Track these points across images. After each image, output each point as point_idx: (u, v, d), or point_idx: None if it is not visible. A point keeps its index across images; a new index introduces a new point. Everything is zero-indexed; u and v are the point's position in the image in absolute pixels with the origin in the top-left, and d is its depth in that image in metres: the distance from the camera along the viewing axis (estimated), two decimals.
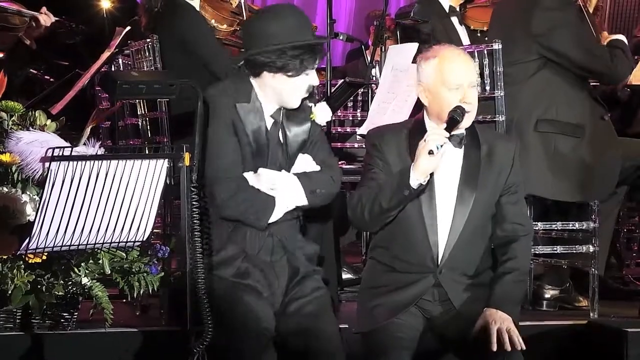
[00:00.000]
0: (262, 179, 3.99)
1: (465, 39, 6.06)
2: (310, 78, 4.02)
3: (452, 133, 3.95)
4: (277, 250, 4.03)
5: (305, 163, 4.10)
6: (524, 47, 4.98)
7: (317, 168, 4.09)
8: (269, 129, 4.04)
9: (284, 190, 4.00)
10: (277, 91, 4.01)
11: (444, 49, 4.12)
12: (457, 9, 6.13)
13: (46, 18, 5.99)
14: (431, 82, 4.04)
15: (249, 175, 4.00)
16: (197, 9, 5.29)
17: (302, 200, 4.03)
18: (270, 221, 3.99)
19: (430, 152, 3.84)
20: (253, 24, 4.08)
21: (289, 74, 3.97)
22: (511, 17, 5.18)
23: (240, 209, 3.95)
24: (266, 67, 3.98)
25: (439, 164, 3.93)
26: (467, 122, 4.01)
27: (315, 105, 4.15)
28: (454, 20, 6.09)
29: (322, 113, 4.16)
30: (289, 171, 4.06)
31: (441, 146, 3.85)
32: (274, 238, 4.03)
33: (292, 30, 3.97)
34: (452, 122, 3.94)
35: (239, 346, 3.80)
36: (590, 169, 4.94)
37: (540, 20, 5.00)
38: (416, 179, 3.89)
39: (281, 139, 4.08)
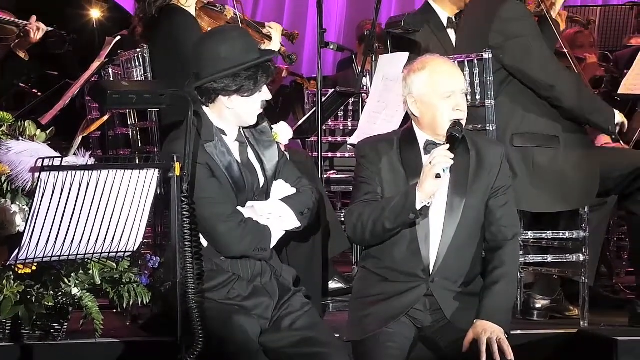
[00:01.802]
0: (257, 211, 4.06)
1: None
2: (263, 94, 4.07)
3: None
4: (266, 272, 4.09)
5: (282, 189, 4.16)
6: None
7: (294, 190, 4.15)
8: (239, 160, 4.09)
9: (281, 217, 4.07)
10: (234, 113, 4.05)
11: (431, 59, 4.17)
12: (454, 20, 6.12)
13: (36, 27, 5.98)
14: (423, 93, 4.07)
15: (242, 210, 4.05)
16: (193, 15, 5.29)
17: (295, 223, 4.10)
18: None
19: (438, 176, 3.86)
20: (201, 48, 4.06)
21: (245, 95, 4.01)
22: (475, 28, 5.17)
23: (247, 242, 4.00)
24: (222, 92, 4.01)
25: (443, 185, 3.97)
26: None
27: (277, 125, 4.22)
28: (450, 32, 6.07)
29: (283, 132, 4.24)
30: (267, 197, 4.12)
31: (447, 168, 3.87)
32: (262, 262, 4.08)
33: (242, 51, 4.01)
34: (453, 139, 3.97)
35: (228, 358, 3.81)
36: (570, 178, 4.94)
37: (496, 31, 4.94)
38: (421, 201, 3.92)
39: (253, 161, 4.13)
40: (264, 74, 4.03)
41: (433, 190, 3.92)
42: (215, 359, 3.79)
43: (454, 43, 5.93)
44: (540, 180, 4.92)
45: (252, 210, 4.06)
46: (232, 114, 4.06)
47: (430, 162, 3.91)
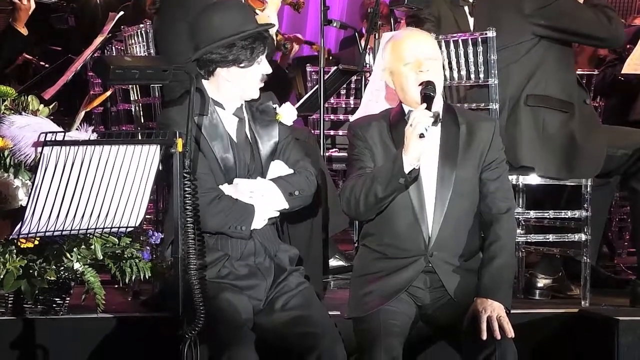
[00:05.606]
0: (240, 189, 4.03)
1: None
2: (263, 67, 4.06)
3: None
4: (260, 252, 4.07)
5: (278, 169, 4.13)
6: (516, 30, 4.97)
7: (291, 171, 4.12)
8: (234, 136, 4.07)
9: (263, 196, 4.03)
10: (234, 85, 4.04)
11: (399, 32, 4.28)
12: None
13: None
14: (391, 63, 4.13)
15: (225, 187, 4.03)
16: None
17: (283, 204, 4.06)
18: (252, 228, 4.03)
19: (421, 136, 3.85)
20: (199, 21, 4.08)
21: (242, 65, 4.01)
22: (499, 2, 5.17)
23: (218, 219, 3.96)
24: (219, 64, 4.01)
25: (429, 146, 3.94)
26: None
27: (279, 107, 4.20)
28: (466, 9, 6.04)
29: (287, 113, 4.22)
30: (262, 176, 4.09)
31: (429, 127, 3.87)
32: (255, 241, 4.06)
33: (237, 21, 4.01)
34: (427, 98, 3.97)
35: (219, 338, 3.79)
36: (577, 146, 4.96)
37: (530, 1, 5.01)
38: (409, 164, 3.90)
39: (250, 140, 4.11)
40: (260, 44, 4.02)
41: (418, 151, 3.90)
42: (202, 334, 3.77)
43: (469, 20, 5.91)
44: (548, 143, 4.94)
45: (234, 187, 4.04)
46: (232, 86, 4.05)
47: (410, 125, 3.91)
